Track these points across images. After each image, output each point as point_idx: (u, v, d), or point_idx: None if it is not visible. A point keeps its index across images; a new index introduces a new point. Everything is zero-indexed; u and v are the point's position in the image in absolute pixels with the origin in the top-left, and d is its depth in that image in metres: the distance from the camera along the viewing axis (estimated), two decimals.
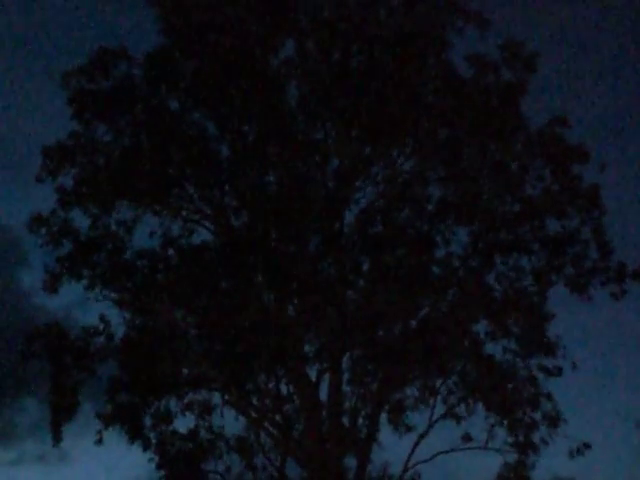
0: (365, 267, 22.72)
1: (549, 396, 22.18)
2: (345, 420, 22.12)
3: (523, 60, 22.45)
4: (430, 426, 22.27)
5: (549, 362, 22.20)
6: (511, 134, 22.59)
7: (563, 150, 22.27)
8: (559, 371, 22.07)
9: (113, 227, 22.41)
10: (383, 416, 22.53)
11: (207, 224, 22.92)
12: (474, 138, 22.44)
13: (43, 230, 21.99)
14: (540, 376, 22.23)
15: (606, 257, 22.04)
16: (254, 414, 22.31)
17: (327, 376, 22.22)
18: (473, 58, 22.67)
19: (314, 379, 22.13)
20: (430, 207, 22.71)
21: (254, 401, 22.24)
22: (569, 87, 32.89)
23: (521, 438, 22.10)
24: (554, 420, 22.00)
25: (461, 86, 22.59)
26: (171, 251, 22.63)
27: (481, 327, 22.54)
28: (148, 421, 21.99)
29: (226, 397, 22.24)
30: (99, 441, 21.58)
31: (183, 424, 22.46)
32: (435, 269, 22.58)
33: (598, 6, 37.13)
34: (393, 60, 22.46)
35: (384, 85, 22.45)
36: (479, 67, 22.60)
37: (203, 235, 22.96)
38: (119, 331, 22.12)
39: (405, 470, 21.91)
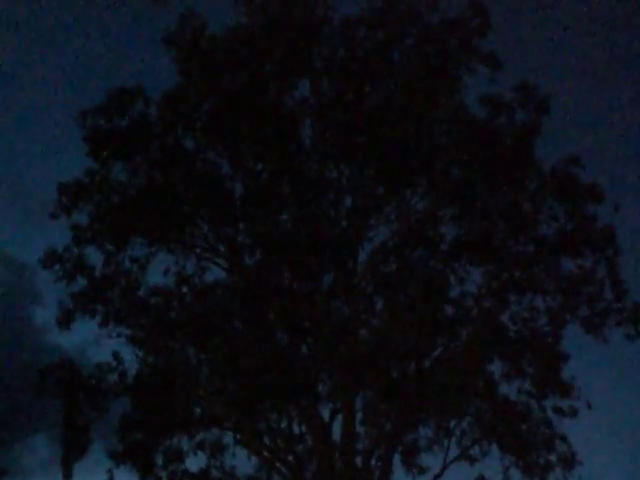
0: (378, 306, 22.81)
1: (564, 437, 22.01)
2: (358, 461, 21.86)
3: (536, 102, 22.60)
4: (444, 467, 22.03)
5: (564, 403, 22.06)
6: (524, 174, 22.70)
7: (577, 190, 22.30)
8: (574, 412, 21.93)
9: (127, 264, 22.58)
10: (397, 457, 22.36)
11: (221, 262, 23.08)
12: (487, 178, 22.54)
13: (57, 266, 22.12)
14: (555, 417, 22.12)
15: (621, 297, 21.91)
16: (266, 454, 22.13)
17: (340, 416, 22.17)
18: (486, 99, 22.85)
19: (327, 419, 22.01)
20: (444, 246, 22.77)
21: (266, 441, 22.08)
22: (583, 127, 33.04)
23: None
24: (569, 462, 21.76)
25: (474, 127, 22.76)
26: (185, 289, 22.78)
27: (496, 367, 22.52)
28: (159, 460, 21.87)
29: (238, 436, 22.08)
30: (110, 479, 21.56)
31: (194, 463, 22.35)
32: (449, 309, 22.63)
33: (609, 45, 37.45)
34: (406, 100, 22.69)
35: (397, 125, 22.64)
36: (492, 108, 22.76)
37: (216, 273, 23.13)
38: (132, 369, 22.19)
39: None
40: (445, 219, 22.80)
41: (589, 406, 21.56)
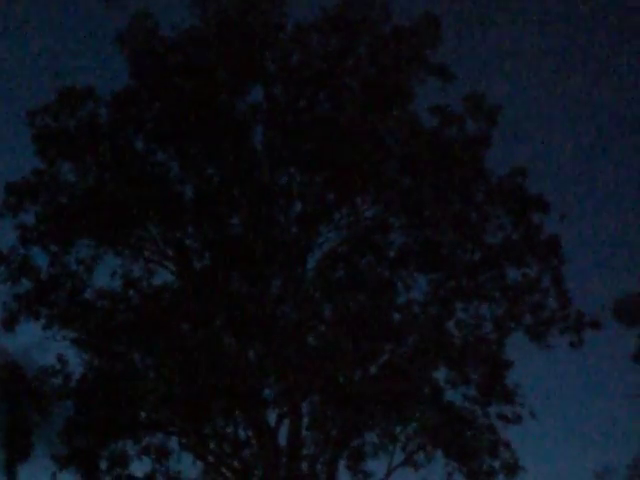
0: (327, 312, 22.87)
1: (507, 444, 22.20)
2: (304, 466, 21.91)
3: (485, 113, 22.99)
4: (389, 473, 22.14)
5: (508, 410, 22.29)
6: (473, 184, 23.03)
7: (523, 200, 22.74)
8: (518, 419, 22.23)
9: (73, 266, 22.33)
10: (342, 462, 22.33)
11: (169, 265, 22.92)
12: (436, 187, 22.81)
13: (2, 267, 21.81)
14: (499, 424, 22.38)
15: (565, 306, 22.39)
16: (212, 459, 22.05)
17: (286, 421, 22.20)
18: (437, 109, 23.16)
19: (273, 424, 22.05)
20: (392, 254, 23.01)
21: (212, 445, 22.02)
22: (531, 138, 33.77)
23: None
24: (512, 468, 21.94)
25: (425, 136, 23.01)
26: (132, 292, 22.59)
27: (441, 374, 22.74)
28: (104, 464, 21.61)
29: (183, 441, 21.96)
30: None
31: (139, 468, 22.15)
32: (396, 315, 22.82)
33: (557, 59, 38.32)
34: (359, 109, 22.85)
35: (349, 133, 22.79)
36: (443, 118, 23.08)
37: (164, 276, 22.98)
38: (77, 372, 21.92)
39: None
40: (394, 227, 23.09)
41: (532, 414, 21.98)
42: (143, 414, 21.83)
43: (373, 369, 22.56)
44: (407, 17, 22.52)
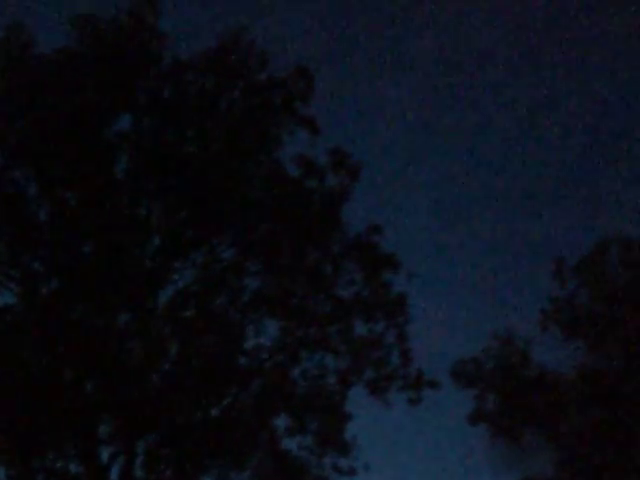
0: (173, 350, 22.55)
1: None
2: None
3: (348, 168, 23.68)
4: None
5: (343, 462, 22.76)
6: (329, 236, 23.55)
7: (376, 257, 23.46)
8: (352, 471, 22.60)
9: None
10: None
11: (13, 287, 22.03)
12: (294, 236, 23.18)
13: None
14: (333, 475, 22.67)
15: (406, 364, 23.13)
16: None
17: (120, 459, 21.59)
18: (301, 160, 23.65)
19: (106, 460, 21.40)
20: (245, 297, 23.06)
21: (39, 479, 21.05)
22: (388, 198, 35.09)
23: None
24: None
25: (287, 185, 23.40)
26: None
27: (281, 421, 22.89)
28: None
29: (11, 472, 20.88)
30: None
31: None
32: (243, 360, 22.81)
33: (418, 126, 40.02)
34: (226, 150, 23.00)
35: (214, 173, 22.85)
36: (306, 169, 23.57)
37: (7, 298, 22.00)
38: None
39: None
40: (249, 271, 23.20)
41: (367, 466, 22.40)
42: None
43: (215, 412, 22.46)
44: (284, 68, 23.03)
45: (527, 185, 40.00)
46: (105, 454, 21.53)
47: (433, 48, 39.25)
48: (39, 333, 21.19)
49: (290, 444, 22.77)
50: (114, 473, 21.36)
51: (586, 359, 26.20)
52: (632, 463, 24.75)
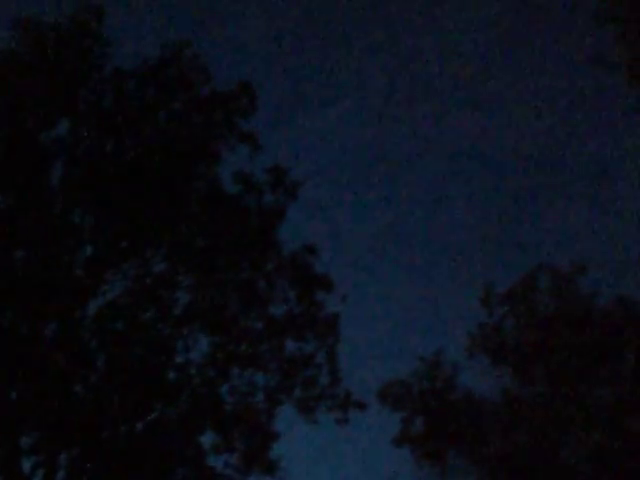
0: (100, 362, 22.20)
1: None
2: None
3: (286, 186, 23.71)
4: None
5: None
6: (264, 254, 23.52)
7: (310, 277, 23.50)
8: None
9: None
10: None
11: None
12: (229, 252, 23.09)
13: None
14: None
15: (335, 384, 23.18)
16: None
17: (41, 471, 21.11)
18: (239, 176, 23.60)
19: (27, 472, 20.90)
20: (176, 311, 22.85)
21: None
22: (324, 218, 35.35)
23: None
24: None
25: (224, 202, 23.31)
26: None
27: (207, 437, 22.70)
28: None
29: None
30: None
31: None
32: (171, 374, 22.57)
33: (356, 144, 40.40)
34: (164, 163, 22.80)
35: (150, 186, 22.63)
36: (244, 186, 23.52)
37: None
38: None
39: None
40: (182, 285, 23.01)
41: None
42: None
43: (140, 426, 22.14)
44: (226, 83, 22.99)
45: (459, 216, 40.76)
46: (28, 464, 21.17)
47: (380, 70, 39.76)
48: None
49: (216, 461, 22.69)
50: None
51: (511, 385, 26.70)
52: None
